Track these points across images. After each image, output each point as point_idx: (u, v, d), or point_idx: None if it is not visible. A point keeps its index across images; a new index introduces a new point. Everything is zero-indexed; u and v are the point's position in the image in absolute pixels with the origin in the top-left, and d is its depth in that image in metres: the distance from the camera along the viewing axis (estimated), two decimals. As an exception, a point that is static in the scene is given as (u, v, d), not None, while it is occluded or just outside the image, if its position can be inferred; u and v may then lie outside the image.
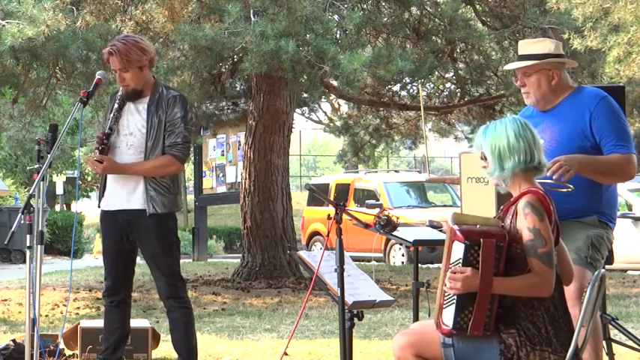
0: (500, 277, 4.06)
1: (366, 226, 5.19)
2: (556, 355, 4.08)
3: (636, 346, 6.24)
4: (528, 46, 5.34)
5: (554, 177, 4.87)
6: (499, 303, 4.11)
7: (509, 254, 4.10)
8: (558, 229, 4.20)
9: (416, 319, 6.22)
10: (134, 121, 5.91)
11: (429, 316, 5.39)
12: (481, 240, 4.03)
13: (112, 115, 5.91)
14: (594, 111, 5.14)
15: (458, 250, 4.09)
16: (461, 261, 4.07)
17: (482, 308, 4.06)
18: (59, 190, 34.12)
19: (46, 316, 11.16)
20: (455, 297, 4.10)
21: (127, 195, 5.90)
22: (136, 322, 6.86)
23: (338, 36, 12.53)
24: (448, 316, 4.13)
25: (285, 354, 7.38)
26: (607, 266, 5.82)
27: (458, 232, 4.07)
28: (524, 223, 4.08)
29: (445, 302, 4.15)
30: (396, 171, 26.53)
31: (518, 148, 4.18)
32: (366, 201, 20.54)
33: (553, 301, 4.14)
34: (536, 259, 4.05)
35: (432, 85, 17.50)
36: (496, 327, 4.12)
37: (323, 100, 21.43)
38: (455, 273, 4.07)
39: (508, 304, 4.12)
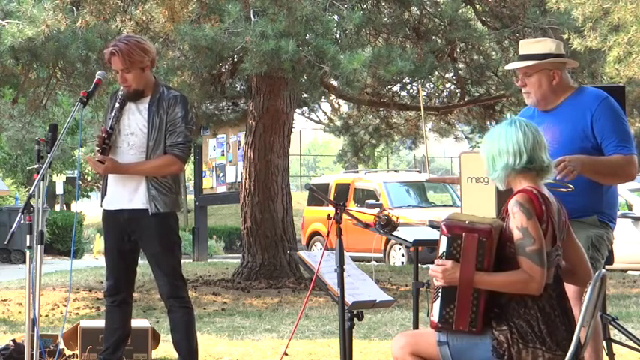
0: (484, 272, 4.10)
1: (366, 226, 5.20)
2: (550, 354, 4.10)
3: (636, 346, 6.24)
4: (529, 45, 5.34)
5: (557, 177, 4.88)
6: (494, 302, 4.14)
7: (503, 254, 4.15)
8: (554, 228, 4.20)
9: (416, 319, 6.23)
10: (135, 120, 5.91)
11: (429, 316, 5.40)
12: (463, 234, 4.09)
13: (112, 114, 5.91)
14: (595, 112, 5.14)
15: (443, 243, 4.18)
16: (445, 254, 4.15)
17: (464, 302, 4.12)
18: (59, 190, 34.12)
19: (46, 316, 11.16)
20: (440, 290, 4.17)
21: (128, 195, 5.90)
22: (136, 322, 6.85)
23: (338, 36, 12.53)
24: (435, 309, 4.22)
25: (285, 354, 7.39)
26: (607, 266, 5.82)
27: (443, 226, 4.17)
28: (514, 222, 4.13)
29: (433, 296, 4.23)
30: (396, 171, 26.53)
31: (507, 150, 4.23)
32: (366, 201, 20.52)
33: (549, 300, 4.16)
34: (524, 257, 4.09)
35: (432, 85, 17.49)
36: (489, 324, 4.15)
37: (323, 100, 21.39)
38: (437, 265, 4.15)
39: (503, 303, 4.15)
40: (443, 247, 4.17)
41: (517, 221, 4.11)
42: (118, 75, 5.90)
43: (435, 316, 4.19)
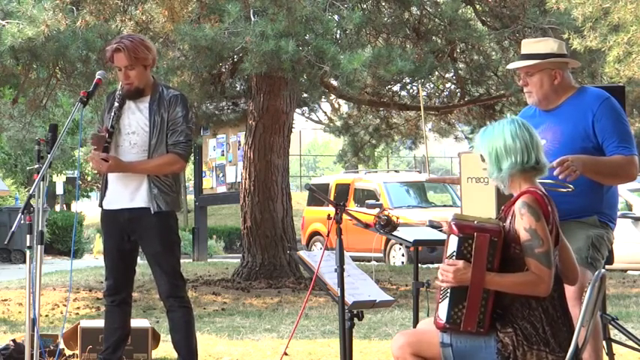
0: (494, 272, 4.08)
1: (366, 226, 5.19)
2: (554, 355, 4.09)
3: (636, 346, 6.24)
4: (531, 45, 5.34)
5: (560, 177, 4.88)
6: (497, 303, 4.13)
7: (507, 255, 4.12)
8: (558, 229, 4.21)
9: (416, 319, 6.22)
10: (136, 119, 5.92)
11: (429, 316, 5.40)
12: (475, 234, 4.07)
13: (112, 113, 5.92)
14: (597, 112, 5.14)
15: (453, 243, 4.15)
16: (455, 254, 4.12)
17: (474, 302, 4.10)
18: (59, 190, 34.13)
19: (46, 316, 11.16)
20: (449, 291, 4.15)
21: (130, 194, 5.90)
22: (136, 322, 6.85)
23: (338, 36, 12.53)
24: (443, 310, 4.18)
25: (285, 354, 7.38)
26: (607, 266, 5.82)
27: (453, 226, 4.14)
28: (521, 223, 4.11)
29: (441, 296, 4.20)
30: (396, 171, 26.53)
31: (515, 148, 4.20)
32: (366, 201, 20.54)
33: (552, 301, 4.15)
34: (533, 258, 4.07)
35: (432, 85, 17.49)
36: (493, 326, 4.14)
37: (323, 100, 21.40)
38: (448, 265, 4.11)
39: (506, 304, 4.13)
40: (453, 247, 4.13)
41: (525, 222, 4.09)
42: (121, 72, 5.90)
43: (443, 317, 4.16)
